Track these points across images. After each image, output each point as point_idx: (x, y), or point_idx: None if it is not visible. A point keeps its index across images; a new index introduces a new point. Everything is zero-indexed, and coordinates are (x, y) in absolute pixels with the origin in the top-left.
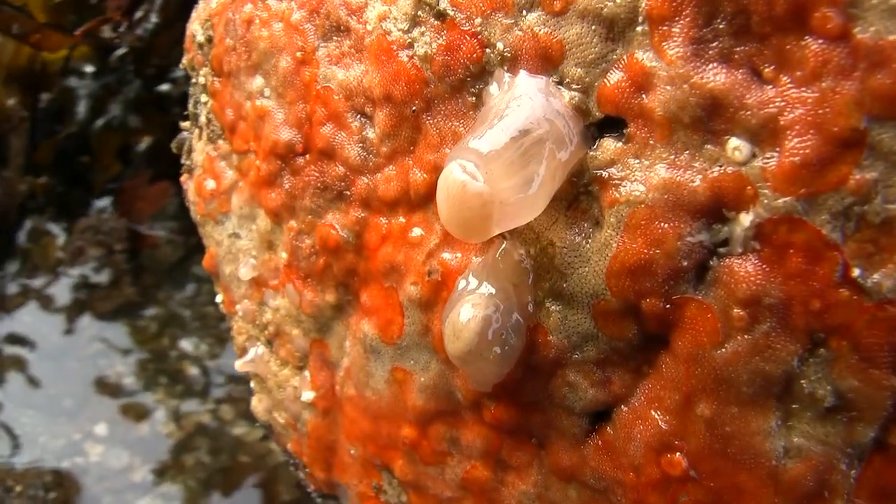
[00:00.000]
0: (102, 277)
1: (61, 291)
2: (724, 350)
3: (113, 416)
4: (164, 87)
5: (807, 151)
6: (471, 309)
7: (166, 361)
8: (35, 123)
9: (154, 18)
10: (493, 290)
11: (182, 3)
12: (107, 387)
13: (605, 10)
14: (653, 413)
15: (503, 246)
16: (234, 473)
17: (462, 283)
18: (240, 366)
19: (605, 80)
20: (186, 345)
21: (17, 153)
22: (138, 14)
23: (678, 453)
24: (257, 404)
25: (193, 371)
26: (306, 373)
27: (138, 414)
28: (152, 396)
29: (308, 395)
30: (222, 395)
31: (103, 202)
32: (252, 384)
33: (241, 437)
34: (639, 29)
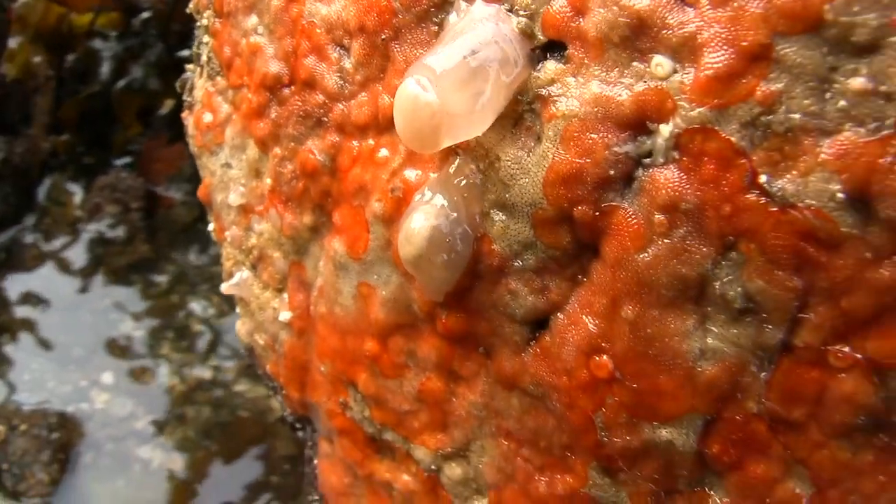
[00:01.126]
0: (118, 234)
1: (77, 246)
2: (646, 255)
3: (119, 366)
4: (185, 52)
5: (719, 66)
6: (422, 217)
7: (174, 318)
8: (60, 83)
9: None
10: (444, 202)
11: None
12: (115, 339)
13: None
14: (584, 318)
15: (456, 161)
16: (234, 427)
17: (418, 196)
18: (225, 289)
19: (549, 6)
20: (195, 304)
21: (41, 112)
22: None
23: (605, 356)
24: (241, 327)
25: (200, 328)
26: (285, 294)
27: (144, 366)
28: (159, 351)
29: (285, 316)
30: (226, 352)
31: (122, 162)
32: (238, 308)
33: (242, 393)
34: None
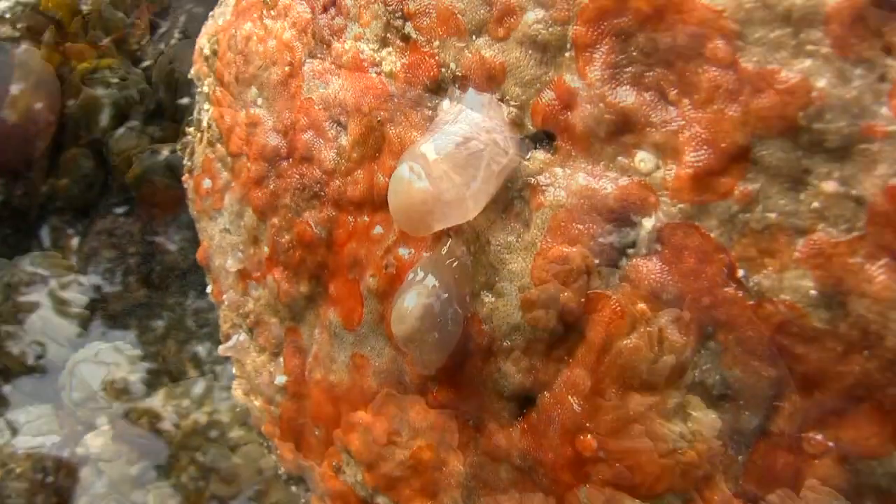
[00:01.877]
0: (115, 279)
1: (75, 290)
2: (629, 341)
3: (115, 411)
4: (185, 99)
5: (700, 164)
6: (415, 296)
7: (171, 363)
8: (60, 128)
9: (176, 35)
10: (436, 282)
11: (202, 22)
12: (112, 384)
13: (540, 37)
14: (569, 398)
15: (448, 243)
16: (229, 473)
17: (411, 275)
18: (222, 350)
19: (539, 98)
20: (190, 349)
21: (41, 156)
22: (161, 30)
23: (589, 435)
24: (237, 388)
25: (196, 374)
26: (281, 358)
27: (140, 412)
28: (155, 395)
29: (281, 379)
30: (222, 398)
31: (120, 208)
32: (234, 369)
33: (238, 439)
34: (567, 54)
